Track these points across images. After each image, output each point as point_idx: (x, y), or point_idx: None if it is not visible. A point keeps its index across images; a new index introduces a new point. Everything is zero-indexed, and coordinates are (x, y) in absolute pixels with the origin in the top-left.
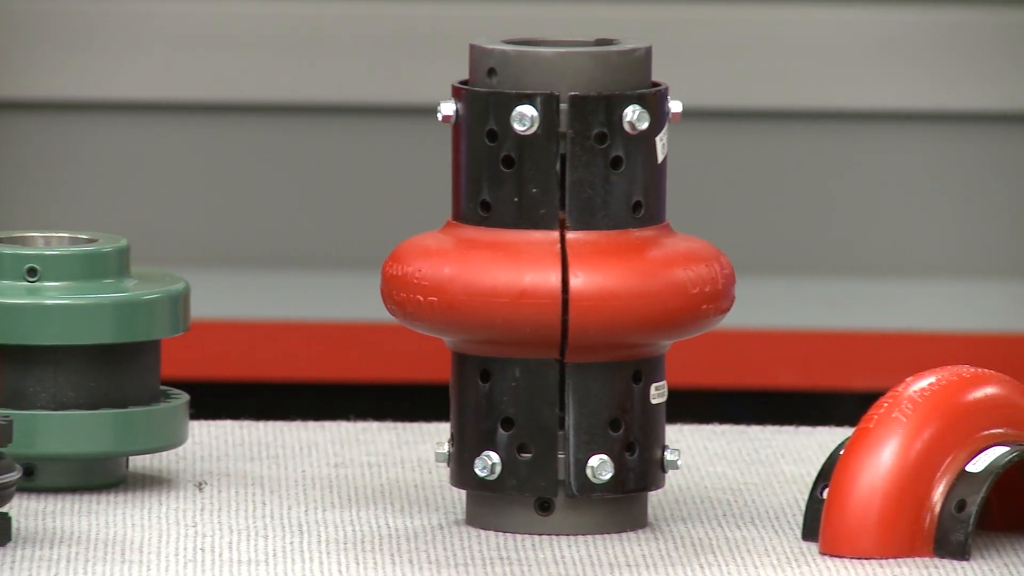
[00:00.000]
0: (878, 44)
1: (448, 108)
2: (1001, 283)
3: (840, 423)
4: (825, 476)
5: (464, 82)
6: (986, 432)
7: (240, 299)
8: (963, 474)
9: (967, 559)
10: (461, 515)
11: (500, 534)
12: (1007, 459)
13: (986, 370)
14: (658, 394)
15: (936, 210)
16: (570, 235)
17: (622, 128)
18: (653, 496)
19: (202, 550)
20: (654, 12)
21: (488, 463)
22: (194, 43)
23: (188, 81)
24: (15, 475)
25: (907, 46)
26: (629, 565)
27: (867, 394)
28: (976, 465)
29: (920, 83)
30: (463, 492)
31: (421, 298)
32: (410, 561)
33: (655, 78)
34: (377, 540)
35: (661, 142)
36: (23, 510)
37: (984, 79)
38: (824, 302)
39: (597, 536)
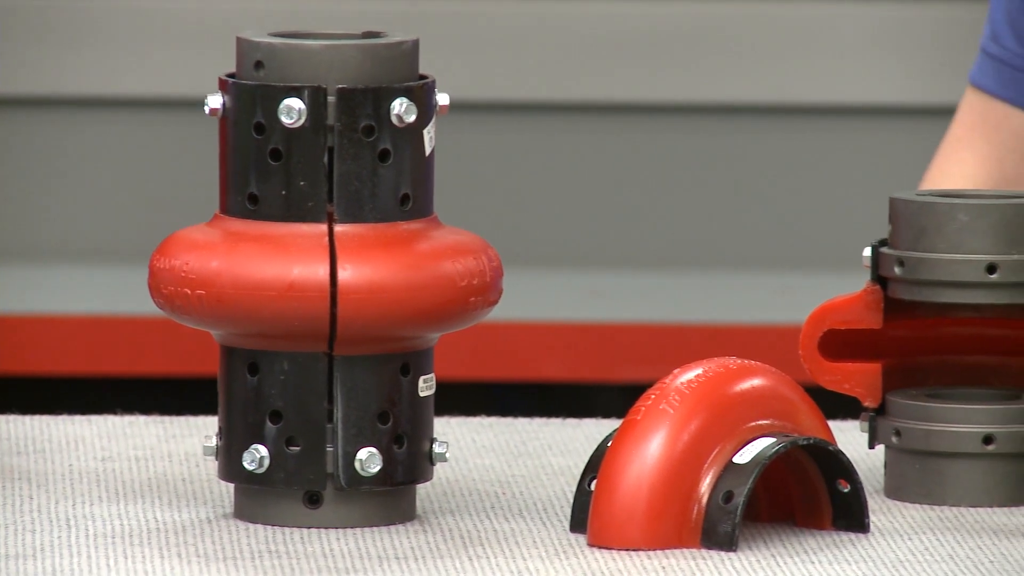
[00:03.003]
0: (652, 33)
1: (215, 101)
2: (765, 275)
3: (607, 415)
4: (593, 468)
5: (231, 75)
6: (753, 423)
7: (4, 293)
8: (730, 465)
9: (734, 550)
10: (229, 508)
11: (268, 527)
12: (773, 450)
13: (753, 361)
14: (426, 387)
15: (700, 203)
16: (338, 228)
17: (390, 121)
18: (421, 488)
19: None
20: (422, 5)
21: (256, 456)
22: None
23: None
24: None
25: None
26: (398, 557)
27: (634, 386)
28: (743, 456)
29: (663, 73)
30: (231, 485)
31: (189, 291)
32: (178, 555)
33: (422, 71)
34: (145, 534)
35: (429, 135)
36: None
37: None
38: (590, 294)
39: (366, 529)
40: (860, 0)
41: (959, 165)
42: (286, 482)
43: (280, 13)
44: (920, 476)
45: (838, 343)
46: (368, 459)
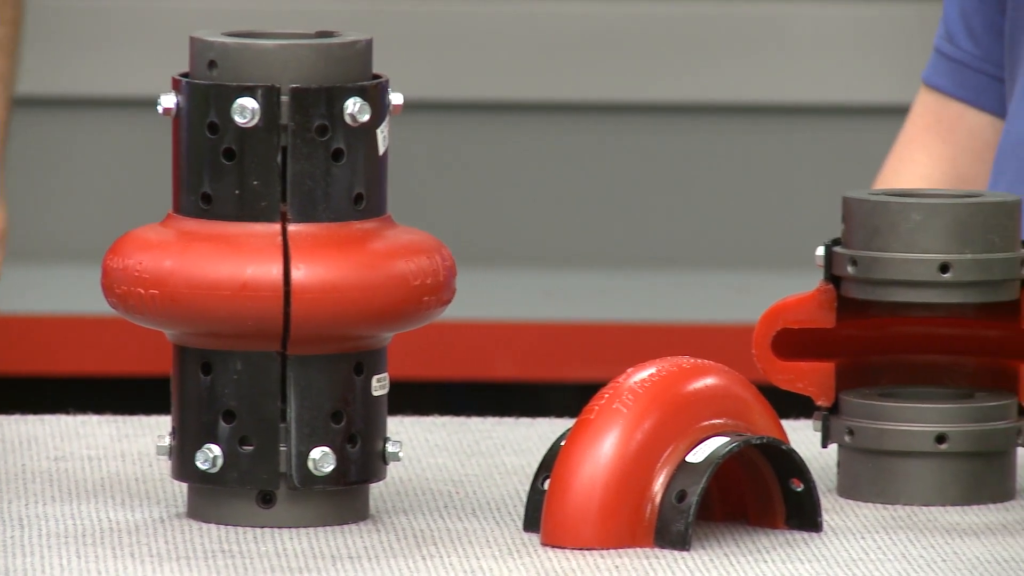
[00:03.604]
0: (608, 34)
1: (169, 101)
2: (719, 274)
3: (560, 414)
4: (546, 467)
5: (185, 74)
6: (706, 423)
7: None
8: (683, 464)
9: (687, 549)
10: (183, 508)
11: (222, 527)
12: (726, 449)
13: (706, 361)
14: (380, 386)
15: (652, 203)
16: (292, 227)
17: (343, 120)
18: (375, 488)
19: None
20: (376, 5)
21: (209, 456)
22: None
23: None
24: None
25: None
26: (351, 557)
27: (587, 385)
28: (696, 455)
29: (613, 73)
30: (184, 485)
31: (142, 291)
32: (132, 554)
33: (376, 71)
34: (98, 533)
35: (382, 134)
36: None
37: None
38: (543, 293)
39: (319, 528)
40: (812, 0)
41: (913, 165)
42: (239, 481)
43: (235, 12)
44: (873, 475)
45: (791, 342)
46: (321, 458)
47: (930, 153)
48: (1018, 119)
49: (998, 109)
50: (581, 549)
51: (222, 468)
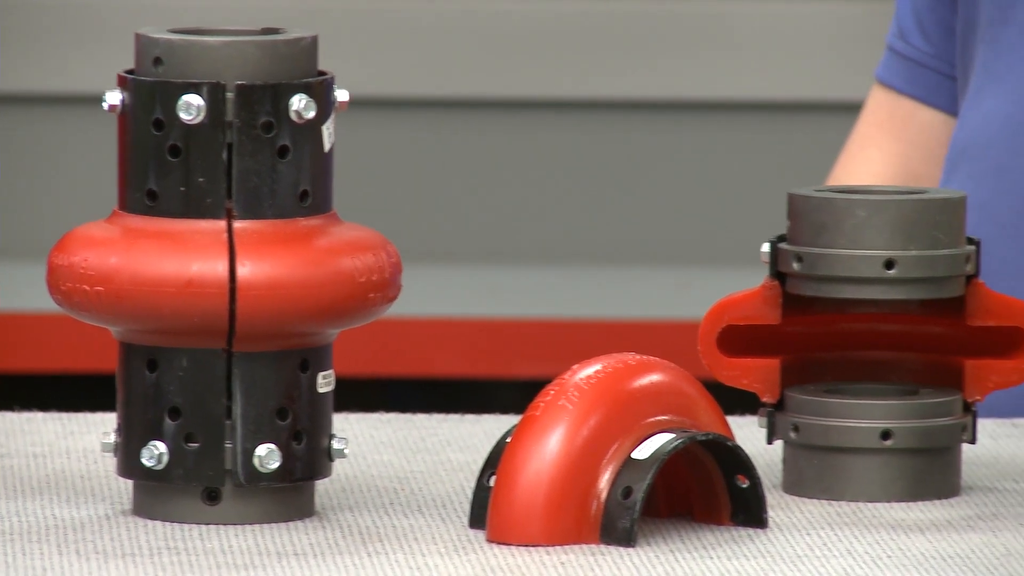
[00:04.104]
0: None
1: (114, 97)
2: (665, 270)
3: (506, 411)
4: (492, 464)
5: (130, 71)
6: (652, 419)
7: None
8: (629, 461)
9: (633, 545)
10: (128, 505)
11: (167, 524)
12: (672, 446)
13: (651, 357)
14: (325, 383)
15: (598, 198)
16: (237, 224)
17: (289, 117)
18: (320, 485)
19: None
20: (321, 1)
21: (155, 453)
22: None
23: None
24: None
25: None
26: (297, 554)
27: (533, 382)
28: (642, 452)
29: (568, 70)
30: (130, 482)
31: (87, 288)
32: (77, 552)
33: (321, 67)
34: (43, 531)
35: (328, 131)
36: None
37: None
38: (488, 290)
39: (264, 525)
40: None
41: (865, 163)
42: (185, 478)
43: (180, 9)
44: (818, 471)
45: (737, 339)
46: (267, 455)
47: (883, 151)
48: (970, 118)
49: (951, 107)
50: (527, 546)
51: (167, 465)
